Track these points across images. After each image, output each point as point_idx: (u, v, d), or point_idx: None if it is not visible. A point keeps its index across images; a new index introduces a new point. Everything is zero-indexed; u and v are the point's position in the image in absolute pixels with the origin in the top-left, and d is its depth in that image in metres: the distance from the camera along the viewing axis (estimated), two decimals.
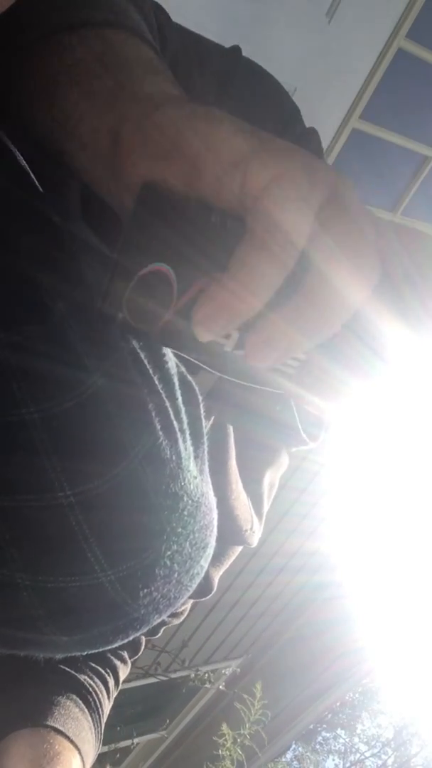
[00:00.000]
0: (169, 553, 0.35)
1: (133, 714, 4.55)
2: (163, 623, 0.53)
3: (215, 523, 0.39)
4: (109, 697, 0.52)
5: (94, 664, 0.52)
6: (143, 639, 0.55)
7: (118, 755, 4.45)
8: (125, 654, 0.55)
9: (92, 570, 0.33)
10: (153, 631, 0.53)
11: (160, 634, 0.55)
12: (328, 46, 2.98)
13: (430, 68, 3.35)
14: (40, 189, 0.35)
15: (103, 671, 0.52)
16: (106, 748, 4.00)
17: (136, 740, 4.43)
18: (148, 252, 0.25)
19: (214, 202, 0.25)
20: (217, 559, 0.53)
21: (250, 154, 0.24)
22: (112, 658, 0.53)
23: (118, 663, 0.54)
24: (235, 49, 0.50)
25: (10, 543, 0.32)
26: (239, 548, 0.56)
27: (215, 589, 0.54)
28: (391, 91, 3.31)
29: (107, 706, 0.52)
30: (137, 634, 0.38)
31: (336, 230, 0.24)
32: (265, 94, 0.51)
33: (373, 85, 3.22)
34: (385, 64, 3.16)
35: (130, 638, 0.38)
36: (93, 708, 0.49)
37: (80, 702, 0.48)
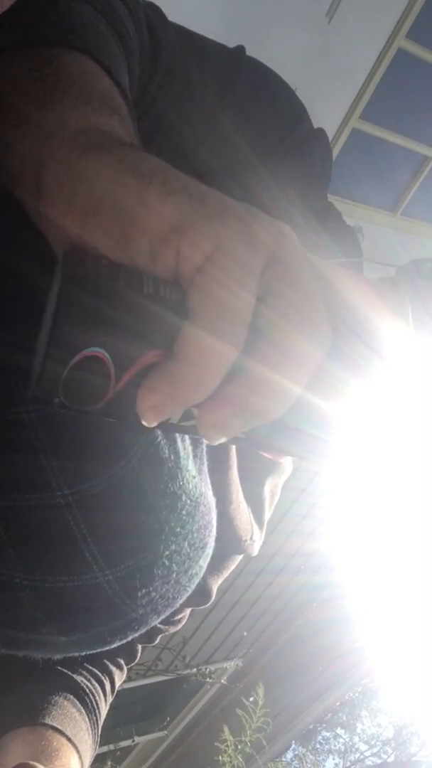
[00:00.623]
0: (167, 552, 0.35)
1: (134, 714, 4.55)
2: (159, 630, 0.52)
3: (214, 523, 0.39)
4: (105, 701, 0.52)
5: (91, 667, 0.52)
6: (139, 646, 0.55)
7: (118, 753, 4.45)
8: (122, 660, 0.54)
9: (90, 569, 0.33)
10: (149, 638, 0.53)
11: (156, 642, 0.54)
12: (328, 46, 2.98)
13: (430, 68, 3.35)
14: None
15: (100, 674, 0.52)
16: (106, 748, 4.00)
17: (136, 740, 4.44)
18: (80, 332, 0.23)
19: (146, 271, 0.24)
20: (216, 568, 0.53)
21: (182, 225, 0.22)
22: (108, 663, 0.53)
23: (114, 669, 0.53)
24: (239, 49, 0.50)
25: (8, 542, 0.32)
26: (239, 557, 0.56)
27: (213, 597, 0.53)
28: (391, 91, 3.31)
29: (104, 709, 0.52)
30: (135, 635, 0.38)
31: (281, 296, 0.23)
32: (270, 94, 0.50)
33: (373, 85, 3.22)
34: (385, 64, 3.16)
35: (128, 639, 0.37)
36: (90, 709, 0.49)
37: (77, 703, 0.48)
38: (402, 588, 5.05)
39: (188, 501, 0.35)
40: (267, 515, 0.57)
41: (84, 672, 0.51)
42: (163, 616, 0.38)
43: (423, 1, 2.98)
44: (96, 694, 0.50)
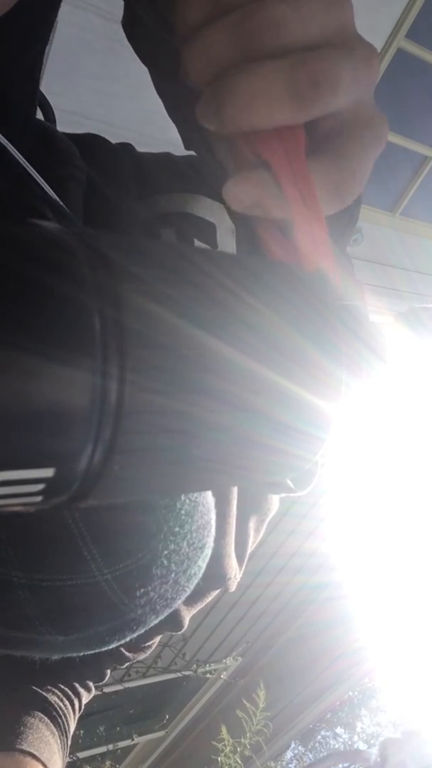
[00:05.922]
0: (166, 552, 0.34)
1: (133, 714, 4.56)
2: (125, 657, 0.52)
3: (213, 523, 0.39)
4: (74, 720, 0.51)
5: (63, 687, 0.51)
6: (108, 670, 0.54)
7: (118, 753, 4.45)
8: (90, 683, 0.54)
9: (89, 569, 0.33)
10: (118, 661, 0.53)
11: (125, 666, 0.54)
12: None
13: (430, 68, 3.35)
14: (41, 188, 0.35)
15: (71, 694, 0.51)
16: (105, 748, 4.00)
17: (136, 740, 4.44)
18: None
19: None
20: (193, 599, 0.53)
21: None
22: (77, 685, 0.52)
23: (82, 691, 0.53)
24: None
25: (7, 542, 0.32)
26: (216, 591, 0.56)
27: (186, 626, 0.53)
28: (391, 91, 3.31)
29: (73, 729, 0.51)
30: (134, 635, 0.37)
31: None
32: None
33: None
34: (384, 65, 3.15)
35: (127, 639, 0.37)
36: (62, 730, 0.48)
37: (51, 724, 0.47)
38: (402, 588, 5.05)
39: (187, 500, 0.35)
40: (249, 550, 0.57)
41: (56, 691, 0.50)
42: (161, 617, 0.38)
43: (422, 2, 2.98)
44: (67, 715, 0.50)
